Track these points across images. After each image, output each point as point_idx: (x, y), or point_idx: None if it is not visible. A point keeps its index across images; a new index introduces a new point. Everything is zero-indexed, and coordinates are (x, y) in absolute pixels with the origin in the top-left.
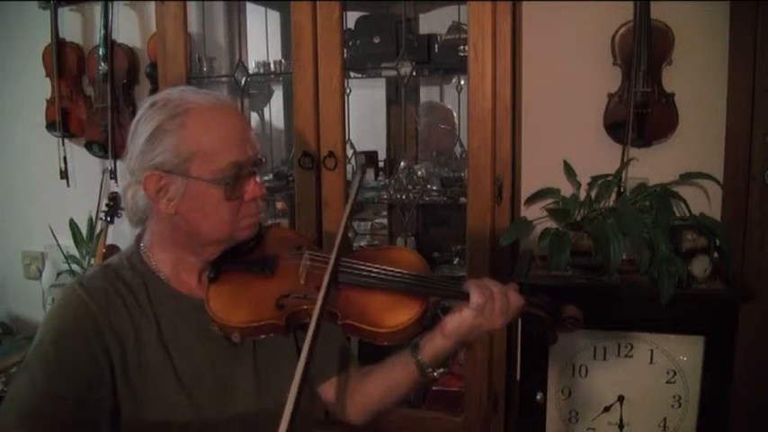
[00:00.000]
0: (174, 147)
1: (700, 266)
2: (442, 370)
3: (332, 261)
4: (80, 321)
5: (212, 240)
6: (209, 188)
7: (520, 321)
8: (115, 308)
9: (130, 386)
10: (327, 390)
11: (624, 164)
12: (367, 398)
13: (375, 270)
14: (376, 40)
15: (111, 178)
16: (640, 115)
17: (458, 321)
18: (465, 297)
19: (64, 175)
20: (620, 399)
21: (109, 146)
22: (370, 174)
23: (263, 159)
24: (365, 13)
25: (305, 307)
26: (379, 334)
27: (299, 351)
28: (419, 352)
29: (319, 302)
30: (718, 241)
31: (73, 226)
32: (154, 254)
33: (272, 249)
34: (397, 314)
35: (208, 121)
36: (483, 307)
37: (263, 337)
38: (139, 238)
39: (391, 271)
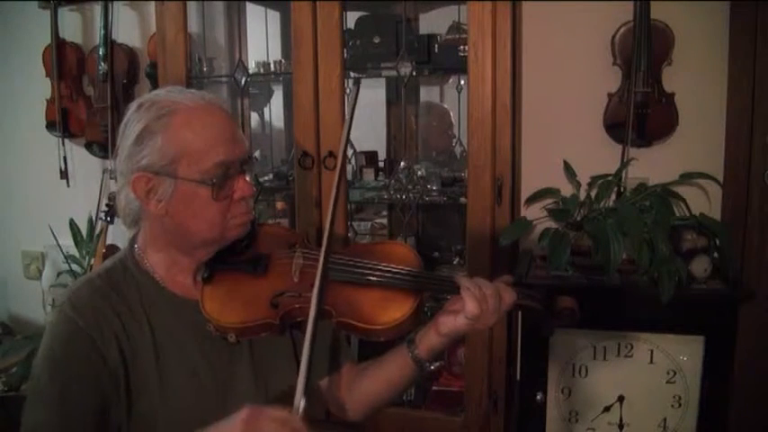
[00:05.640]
0: (161, 148)
1: (700, 266)
2: (438, 363)
3: (321, 259)
4: (72, 347)
5: (203, 241)
6: (197, 188)
7: (520, 321)
8: (105, 317)
9: (129, 388)
10: (326, 387)
11: (624, 164)
12: (365, 394)
13: (368, 266)
14: (376, 40)
15: (111, 178)
16: (640, 115)
17: (452, 325)
18: (456, 291)
19: (64, 175)
20: (620, 399)
21: (109, 146)
22: (370, 174)
23: (255, 158)
24: (365, 13)
25: (299, 305)
26: (374, 331)
27: (295, 349)
28: (415, 347)
29: (314, 302)
30: (718, 241)
31: (73, 226)
32: (148, 255)
33: (266, 248)
34: (391, 310)
35: (193, 121)
36: (478, 317)
37: (259, 335)
38: (133, 240)
39: (384, 267)
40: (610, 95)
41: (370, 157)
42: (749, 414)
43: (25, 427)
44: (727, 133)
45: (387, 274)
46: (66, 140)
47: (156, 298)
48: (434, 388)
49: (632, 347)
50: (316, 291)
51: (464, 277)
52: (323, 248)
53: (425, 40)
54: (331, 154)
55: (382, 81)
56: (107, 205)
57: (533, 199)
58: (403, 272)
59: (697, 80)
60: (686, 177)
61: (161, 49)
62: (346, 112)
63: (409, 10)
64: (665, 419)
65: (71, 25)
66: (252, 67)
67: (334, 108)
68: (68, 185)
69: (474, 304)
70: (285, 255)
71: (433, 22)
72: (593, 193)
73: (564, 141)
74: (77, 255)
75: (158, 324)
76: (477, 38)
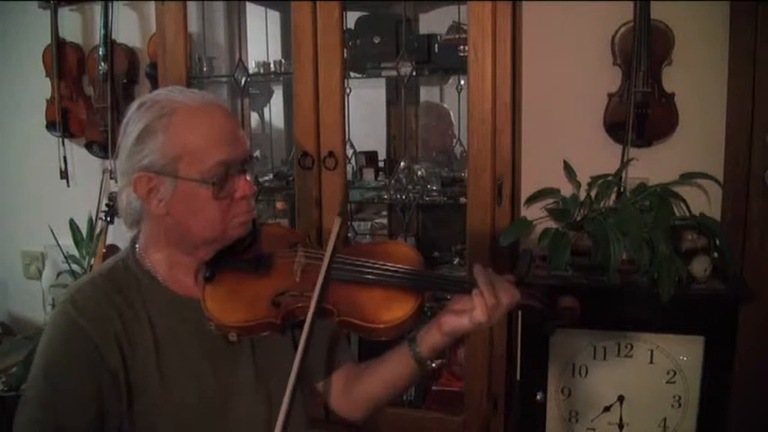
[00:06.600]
0: (162, 147)
1: (700, 266)
2: (440, 361)
3: (326, 259)
4: (71, 346)
5: (204, 240)
6: (198, 188)
7: (520, 321)
8: (107, 317)
9: (129, 388)
10: (325, 386)
11: (624, 164)
12: (365, 393)
13: (370, 265)
14: (376, 40)
15: (111, 178)
16: (640, 115)
17: (456, 325)
18: (461, 291)
19: (64, 175)
20: (620, 399)
21: (109, 146)
22: (370, 174)
23: (256, 157)
24: (365, 13)
25: (300, 304)
26: (376, 330)
27: (296, 348)
28: (416, 345)
29: (313, 304)
30: (718, 241)
31: (73, 226)
32: (149, 255)
33: (268, 247)
34: (393, 310)
35: (194, 120)
36: (485, 324)
37: (260, 335)
38: (135, 240)
39: (386, 266)
40: (610, 95)
41: (370, 157)
42: (749, 414)
43: (18, 424)
44: (727, 133)
45: (389, 274)
46: (66, 140)
47: (158, 297)
48: (434, 388)
49: (632, 347)
50: (317, 290)
51: (482, 276)
52: (328, 250)
53: (425, 40)
54: (331, 154)
55: (382, 81)
56: (107, 205)
57: (533, 199)
58: (405, 271)
59: (697, 80)
60: (686, 177)
61: (161, 49)
62: (346, 116)
63: (409, 10)
64: (665, 419)
65: (71, 25)
66: (252, 67)
67: (334, 108)
68: (68, 185)
69: (483, 312)
70: (287, 254)
71: (433, 22)
72: (593, 193)
73: (564, 141)
74: (77, 255)
75: (160, 323)
76: (477, 38)
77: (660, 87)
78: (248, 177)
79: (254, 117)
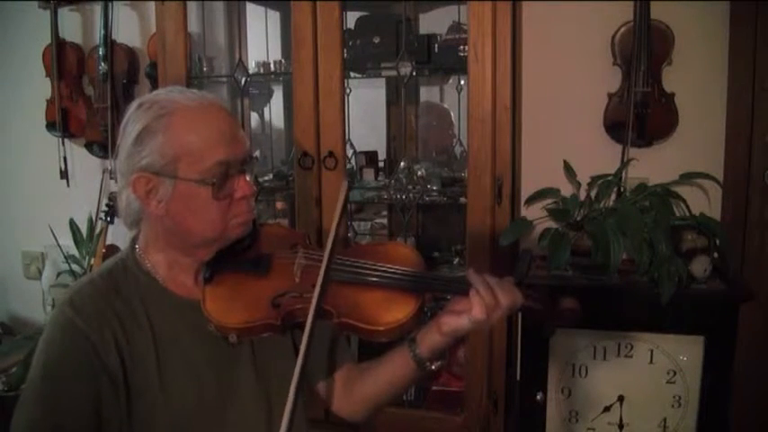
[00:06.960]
0: (161, 148)
1: (700, 266)
2: (440, 363)
3: (324, 263)
4: (69, 347)
5: (204, 240)
6: (198, 188)
7: (520, 321)
8: (105, 319)
9: (128, 389)
10: (325, 387)
11: (624, 164)
12: (365, 394)
13: (370, 267)
14: (376, 40)
15: (111, 178)
16: (640, 115)
17: (455, 325)
18: (462, 292)
19: (64, 175)
20: (620, 399)
21: (109, 146)
22: (370, 174)
23: (255, 157)
24: (365, 13)
25: (300, 306)
26: (376, 331)
27: (296, 349)
28: (416, 346)
29: (314, 304)
30: (718, 241)
31: (73, 226)
32: (149, 255)
33: (267, 248)
34: (393, 311)
35: (193, 121)
36: (484, 322)
37: (260, 336)
38: (134, 240)
39: (386, 267)
40: (610, 95)
41: (370, 157)
42: (749, 414)
43: (15, 423)
44: (727, 133)
45: (389, 275)
46: (66, 140)
47: (157, 298)
48: (434, 388)
49: (632, 347)
50: (317, 291)
51: (478, 278)
52: (326, 250)
53: (425, 40)
54: (331, 154)
55: (382, 81)
56: (107, 205)
57: (533, 199)
58: (406, 273)
59: (697, 80)
60: (686, 177)
61: (161, 49)
62: (346, 116)
63: (409, 10)
64: (665, 419)
65: (71, 25)
66: (252, 67)
67: (334, 108)
68: (68, 185)
69: (482, 310)
70: (287, 255)
71: (433, 22)
72: (593, 193)
73: (564, 141)
74: (77, 255)
75: (159, 324)
76: (477, 38)
77: (660, 87)
78: (248, 177)
79: (254, 117)
